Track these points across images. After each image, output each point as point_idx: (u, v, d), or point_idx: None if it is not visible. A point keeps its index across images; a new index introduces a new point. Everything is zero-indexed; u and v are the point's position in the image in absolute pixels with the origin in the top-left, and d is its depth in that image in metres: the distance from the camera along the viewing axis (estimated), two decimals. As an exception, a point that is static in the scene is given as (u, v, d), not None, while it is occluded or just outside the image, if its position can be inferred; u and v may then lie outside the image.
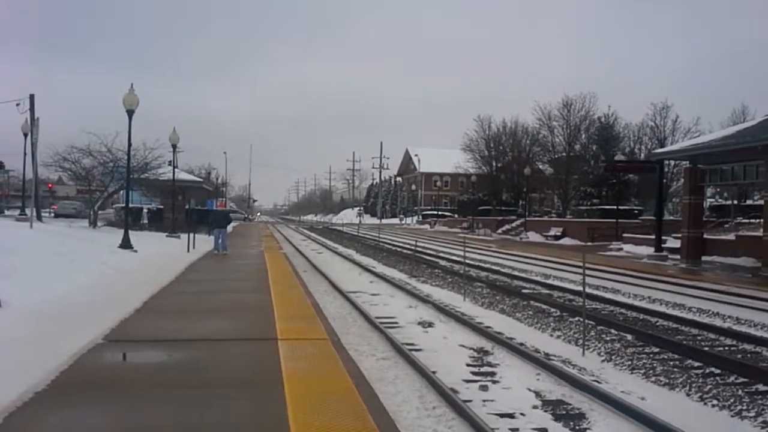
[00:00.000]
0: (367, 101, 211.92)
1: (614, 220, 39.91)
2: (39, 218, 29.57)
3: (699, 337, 10.56)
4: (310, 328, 9.10)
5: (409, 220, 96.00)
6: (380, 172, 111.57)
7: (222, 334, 8.57)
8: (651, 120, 55.13)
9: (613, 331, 10.79)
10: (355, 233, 49.96)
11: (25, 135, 33.43)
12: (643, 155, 52.74)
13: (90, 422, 5.17)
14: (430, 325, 11.38)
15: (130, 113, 21.15)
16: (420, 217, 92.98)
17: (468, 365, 8.41)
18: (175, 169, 35.27)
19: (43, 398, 5.59)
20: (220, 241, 23.77)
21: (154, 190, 39.29)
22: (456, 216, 76.68)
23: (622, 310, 13.13)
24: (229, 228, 28.63)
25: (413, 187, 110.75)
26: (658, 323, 11.82)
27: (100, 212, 33.34)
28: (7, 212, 51.17)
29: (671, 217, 43.99)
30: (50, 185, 68.01)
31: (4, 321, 8.18)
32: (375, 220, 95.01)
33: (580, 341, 9.75)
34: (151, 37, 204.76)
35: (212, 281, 15.27)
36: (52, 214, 42.16)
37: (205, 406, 5.48)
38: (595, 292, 15.33)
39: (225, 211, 30.97)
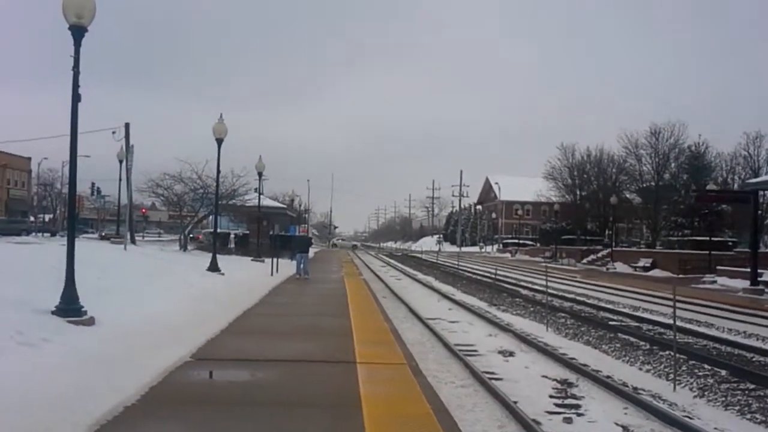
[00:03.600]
0: (446, 129, 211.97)
1: (707, 252, 38.09)
2: (133, 241, 31.02)
3: (801, 376, 9.89)
4: (389, 352, 9.09)
5: (489, 248, 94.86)
6: (460, 200, 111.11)
7: (303, 356, 8.68)
8: (744, 149, 52.87)
9: (706, 366, 10.25)
10: (434, 260, 49.77)
11: (121, 162, 35.24)
12: (736, 185, 50.45)
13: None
14: (511, 354, 11.16)
15: (219, 142, 21.97)
16: (501, 245, 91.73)
17: (551, 396, 8.18)
18: (261, 196, 36.28)
19: (134, 412, 5.81)
20: (302, 265, 24.19)
21: (241, 215, 40.48)
22: (538, 245, 75.21)
23: (716, 345, 12.47)
24: (311, 253, 29.10)
25: (493, 215, 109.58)
26: (754, 359, 11.16)
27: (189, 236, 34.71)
28: (102, 233, 54.00)
29: (767, 250, 41.64)
30: (144, 210, 71.42)
31: (97, 338, 8.59)
32: (454, 248, 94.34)
33: (671, 375, 9.31)
34: (239, 67, 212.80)
35: (294, 304, 15.53)
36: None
37: (286, 424, 5.56)
38: (688, 326, 14.64)
39: (306, 237, 31.50)
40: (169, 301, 12.49)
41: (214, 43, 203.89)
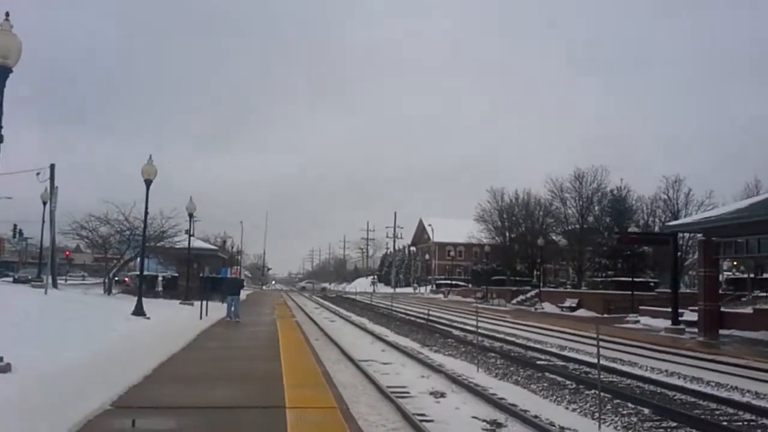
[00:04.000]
0: (378, 172, 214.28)
1: (630, 292, 39.42)
2: (55, 285, 29.81)
3: (717, 412, 10.29)
4: (320, 396, 8.99)
5: (422, 289, 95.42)
6: (394, 242, 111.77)
7: (230, 402, 8.48)
8: (664, 193, 55.27)
9: (629, 404, 10.55)
10: (369, 301, 49.68)
11: (44, 203, 34.08)
12: (657, 227, 52.58)
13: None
14: (443, 395, 11.19)
15: (148, 183, 21.57)
16: (434, 286, 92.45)
17: (480, 437, 8.23)
18: (191, 237, 35.60)
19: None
20: (232, 308, 23.74)
21: (170, 258, 39.56)
22: (470, 286, 76.19)
23: (639, 383, 12.86)
24: (243, 295, 28.62)
25: (427, 256, 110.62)
26: (675, 397, 11.55)
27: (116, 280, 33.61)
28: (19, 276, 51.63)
29: (688, 290, 43.41)
30: (67, 252, 68.84)
31: (12, 386, 8.18)
32: (389, 289, 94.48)
33: (596, 414, 9.53)
34: (168, 108, 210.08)
35: (223, 349, 15.18)
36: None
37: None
38: (612, 365, 15.06)
39: (238, 279, 31.01)
40: (90, 348, 12.02)
41: (144, 88, 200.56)
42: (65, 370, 9.60)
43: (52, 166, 33.77)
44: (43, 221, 35.55)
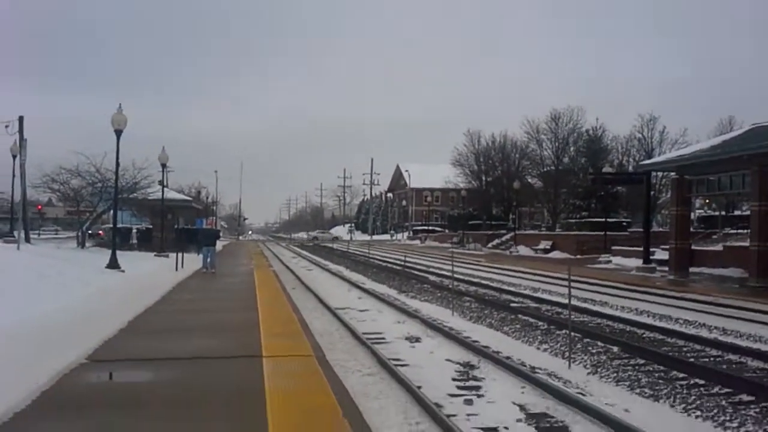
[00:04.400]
0: (355, 118, 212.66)
1: (603, 233, 40.05)
2: (27, 240, 29.43)
3: (685, 348, 10.59)
4: (296, 344, 9.07)
5: (399, 236, 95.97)
6: (371, 188, 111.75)
7: (206, 353, 8.53)
8: (638, 132, 55.67)
9: (599, 343, 10.81)
10: (346, 249, 49.91)
11: (14, 156, 33.36)
12: (631, 167, 53.12)
13: (69, 443, 5.13)
14: (417, 340, 11.36)
15: (119, 133, 21.17)
16: (411, 232, 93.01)
17: (454, 380, 8.40)
18: (165, 189, 35.22)
19: (24, 417, 5.55)
20: (208, 259, 23.68)
21: (144, 210, 39.21)
22: (446, 231, 76.83)
23: (609, 323, 13.17)
24: (219, 246, 28.55)
25: (404, 202, 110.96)
26: (644, 335, 11.86)
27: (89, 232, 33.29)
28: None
29: (660, 229, 44.20)
30: (39, 207, 67.80)
31: (-14, 343, 8.13)
32: (366, 237, 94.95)
33: (567, 354, 9.76)
34: (140, 58, 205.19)
35: (199, 300, 15.20)
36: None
37: (187, 425, 5.46)
38: (583, 305, 15.38)
39: (213, 230, 30.86)
40: (64, 302, 11.96)
41: (116, 34, 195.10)
42: (39, 324, 9.56)
43: (21, 118, 32.90)
44: (14, 175, 34.88)
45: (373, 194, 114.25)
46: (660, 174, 46.44)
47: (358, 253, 44.96)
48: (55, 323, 9.95)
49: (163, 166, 32.69)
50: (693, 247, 28.13)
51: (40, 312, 10.41)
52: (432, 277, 24.02)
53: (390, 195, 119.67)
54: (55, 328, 9.63)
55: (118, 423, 5.52)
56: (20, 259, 17.38)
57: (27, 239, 29.56)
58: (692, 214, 38.14)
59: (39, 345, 8.43)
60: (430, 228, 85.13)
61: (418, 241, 76.06)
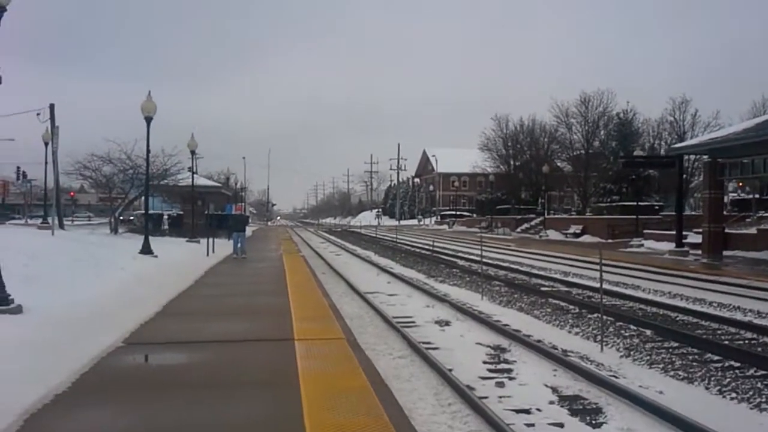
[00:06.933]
0: (383, 103, 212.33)
1: (634, 217, 39.54)
2: (61, 226, 30.00)
3: (719, 331, 10.47)
4: (327, 328, 9.15)
5: (427, 220, 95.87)
6: (398, 174, 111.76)
7: (239, 336, 8.65)
8: (670, 115, 54.69)
9: (632, 326, 10.73)
10: (374, 235, 50.02)
11: (46, 144, 33.94)
12: (662, 150, 52.24)
13: (109, 422, 5.25)
14: (447, 323, 11.39)
15: (148, 120, 21.38)
16: (438, 217, 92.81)
17: (484, 362, 8.41)
18: (194, 175, 35.55)
19: (64, 400, 5.69)
20: (239, 245, 23.89)
21: (174, 196, 39.62)
22: (474, 216, 76.46)
23: (642, 306, 13.05)
24: (248, 232, 28.80)
25: (431, 187, 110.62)
26: (678, 318, 11.73)
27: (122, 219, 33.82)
28: (30, 221, 52.04)
29: (693, 213, 43.49)
30: (72, 193, 68.96)
31: (24, 327, 8.34)
32: (393, 222, 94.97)
33: (599, 337, 9.70)
34: (168, 46, 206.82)
35: (231, 285, 15.38)
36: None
37: (222, 405, 5.54)
38: (615, 289, 15.25)
39: (243, 216, 31.14)
40: (99, 287, 12.17)
41: (144, 23, 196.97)
42: (76, 309, 9.75)
43: (52, 106, 33.39)
44: (46, 162, 35.50)
45: (400, 179, 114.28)
46: (692, 157, 45.61)
47: (386, 238, 45.04)
48: (92, 308, 10.14)
49: (192, 152, 32.94)
50: (726, 231, 27.66)
51: (77, 297, 10.61)
52: (461, 262, 23.97)
53: (417, 180, 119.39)
54: (93, 313, 9.82)
55: (156, 402, 5.64)
56: (55, 245, 17.69)
57: (61, 225, 30.14)
58: (725, 198, 37.44)
59: (78, 329, 8.60)
60: (458, 213, 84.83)
61: (446, 226, 75.87)
